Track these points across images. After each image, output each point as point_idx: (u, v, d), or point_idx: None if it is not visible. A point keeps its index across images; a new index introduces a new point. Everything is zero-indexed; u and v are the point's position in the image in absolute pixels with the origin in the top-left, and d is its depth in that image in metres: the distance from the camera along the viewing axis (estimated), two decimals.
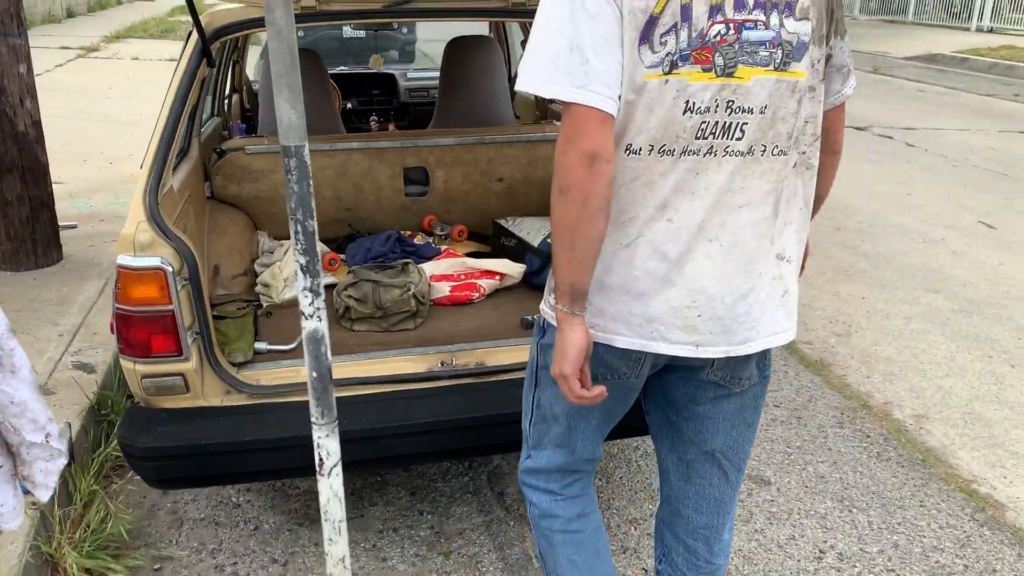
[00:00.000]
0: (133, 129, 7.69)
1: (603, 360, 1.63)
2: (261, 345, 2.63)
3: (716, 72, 1.40)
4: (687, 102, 1.41)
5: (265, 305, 2.98)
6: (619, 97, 1.40)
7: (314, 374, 1.46)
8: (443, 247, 3.32)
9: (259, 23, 2.69)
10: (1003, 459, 3.20)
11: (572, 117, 1.37)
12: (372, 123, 4.82)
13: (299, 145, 1.35)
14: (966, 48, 15.48)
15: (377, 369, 2.55)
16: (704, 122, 1.43)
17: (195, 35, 2.63)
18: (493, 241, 3.34)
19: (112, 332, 2.54)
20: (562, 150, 1.39)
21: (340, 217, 3.45)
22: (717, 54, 1.40)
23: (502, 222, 3.32)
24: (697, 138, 1.43)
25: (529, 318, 2.81)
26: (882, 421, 3.44)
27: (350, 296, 2.80)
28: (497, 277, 3.04)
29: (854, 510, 2.89)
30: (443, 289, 2.97)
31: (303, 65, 3.72)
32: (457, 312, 2.93)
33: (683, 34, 1.38)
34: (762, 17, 1.41)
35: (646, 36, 1.37)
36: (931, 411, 3.53)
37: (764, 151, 1.48)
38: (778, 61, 1.44)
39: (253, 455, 2.33)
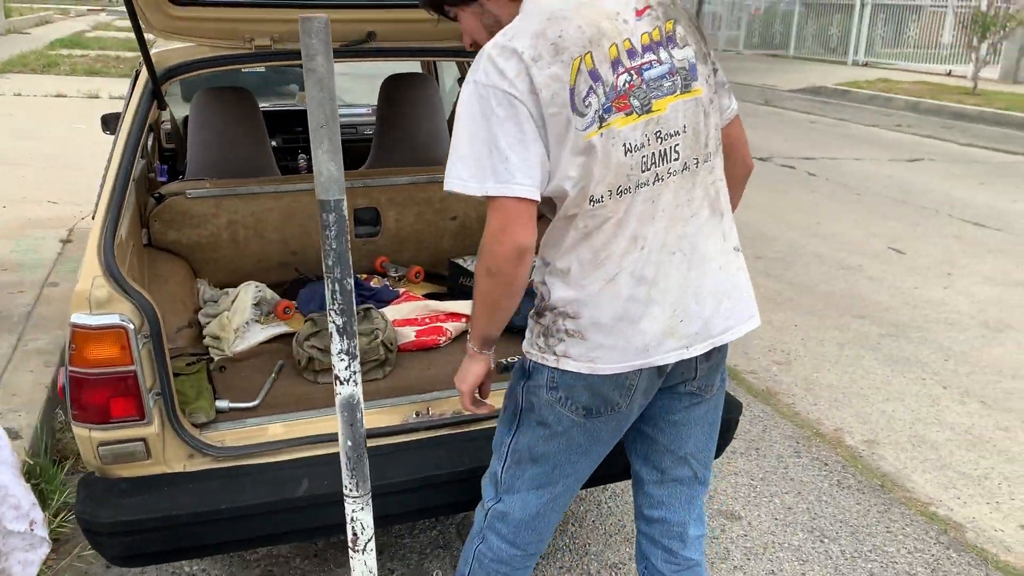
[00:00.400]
0: (23, 169, 7.25)
1: (599, 392, 1.70)
2: (223, 403, 2.46)
3: (637, 112, 1.59)
4: (624, 144, 1.59)
5: (216, 359, 2.80)
6: (540, 183, 1.57)
7: (348, 443, 1.35)
8: (401, 290, 3.21)
9: (211, 63, 2.55)
10: (953, 480, 3.30)
11: (501, 211, 1.55)
12: (301, 161, 4.66)
13: (339, 199, 1.25)
14: (846, 81, 16.33)
15: None
16: (644, 156, 1.61)
17: (143, 75, 2.47)
18: (451, 281, 3.26)
19: (61, 397, 2.34)
20: (494, 240, 1.57)
21: (286, 261, 3.30)
22: (632, 98, 1.59)
23: (459, 261, 3.24)
24: (644, 171, 1.61)
25: (504, 361, 2.73)
26: (836, 448, 3.50)
27: (313, 347, 2.65)
28: (463, 319, 2.95)
29: (826, 540, 2.91)
30: (408, 334, 2.86)
31: (237, 105, 3.56)
32: (425, 358, 2.82)
33: (599, 92, 1.56)
34: (654, 56, 1.62)
35: (573, 105, 1.55)
36: (879, 436, 3.62)
37: (696, 163, 1.68)
38: (680, 86, 1.65)
39: (229, 524, 2.16)
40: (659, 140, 1.62)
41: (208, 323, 2.95)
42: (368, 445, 2.36)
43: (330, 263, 1.28)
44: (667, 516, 1.98)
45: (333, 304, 1.29)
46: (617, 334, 1.65)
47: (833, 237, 6.43)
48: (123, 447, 2.19)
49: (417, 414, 2.46)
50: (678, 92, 1.64)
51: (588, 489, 3.14)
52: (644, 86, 1.60)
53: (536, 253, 1.68)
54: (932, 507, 3.11)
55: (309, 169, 4.72)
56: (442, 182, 1.62)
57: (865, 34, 19.66)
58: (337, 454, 2.33)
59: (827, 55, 20.80)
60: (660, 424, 1.89)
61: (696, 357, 1.75)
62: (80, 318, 2.10)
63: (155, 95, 2.42)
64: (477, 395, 1.91)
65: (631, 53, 1.60)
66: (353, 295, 1.30)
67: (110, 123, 4.23)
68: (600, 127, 1.56)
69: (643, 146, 1.60)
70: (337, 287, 1.28)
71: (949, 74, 17.25)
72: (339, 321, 1.29)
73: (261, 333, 2.91)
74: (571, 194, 1.60)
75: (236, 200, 3.14)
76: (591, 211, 1.61)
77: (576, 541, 2.88)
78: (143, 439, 2.20)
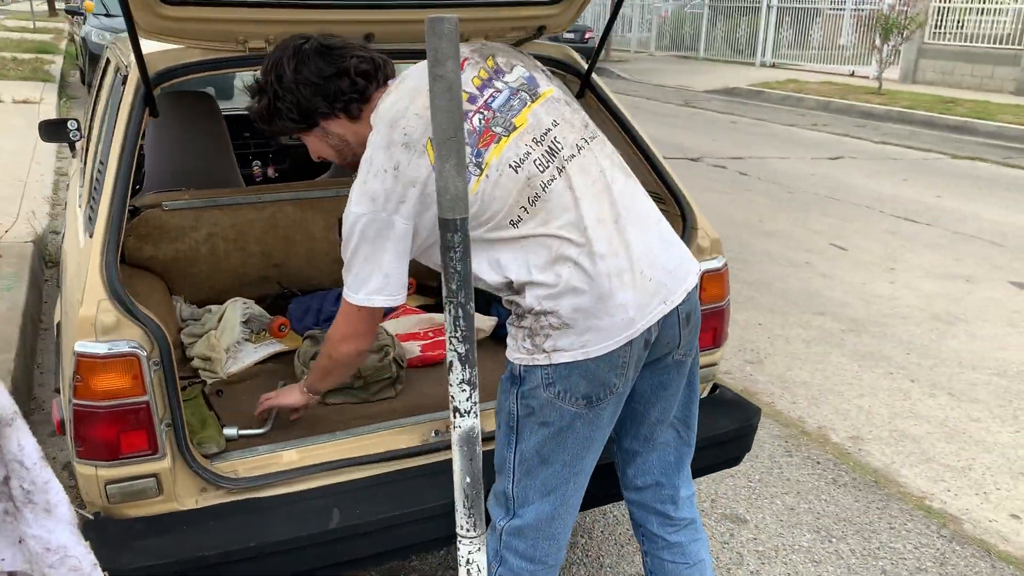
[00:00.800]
0: None
1: (596, 377, 1.72)
2: (231, 431, 2.30)
3: (504, 135, 1.72)
4: (510, 166, 1.70)
5: (210, 382, 2.62)
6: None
7: (467, 480, 1.24)
8: None
9: (205, 67, 2.38)
10: (940, 473, 3.37)
11: (358, 319, 1.84)
12: (255, 168, 4.46)
13: (463, 218, 1.15)
14: (758, 82, 16.77)
15: (367, 447, 2.29)
16: (534, 160, 1.72)
17: (132, 79, 2.28)
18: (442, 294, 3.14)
19: (59, 432, 2.14)
20: (342, 342, 1.90)
21: (268, 275, 3.13)
22: (492, 127, 1.73)
23: None
24: (543, 170, 1.72)
25: (435, 434, 2.62)
26: (824, 446, 3.54)
27: None
28: None
29: (833, 539, 2.92)
30: (413, 349, 2.74)
31: (198, 110, 3.35)
32: (432, 373, 2.71)
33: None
34: (492, 90, 1.77)
35: None
36: (862, 432, 3.67)
37: (586, 142, 1.80)
38: (529, 97, 1.79)
39: (261, 562, 2.01)
40: (537, 143, 1.74)
41: (192, 343, 2.77)
42: (393, 468, 2.28)
43: (453, 287, 1.17)
44: (659, 480, 2.03)
45: (455, 331, 1.19)
46: (600, 313, 1.69)
47: (778, 235, 6.55)
48: (133, 484, 2.02)
49: (437, 432, 2.35)
50: (529, 103, 1.78)
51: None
52: (498, 114, 1.74)
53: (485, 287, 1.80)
54: (927, 501, 3.17)
55: (265, 177, 4.53)
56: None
57: (772, 36, 20.24)
58: (365, 479, 2.25)
59: (735, 56, 21.34)
60: (651, 398, 1.93)
61: (679, 321, 1.81)
62: (86, 346, 1.93)
63: (147, 101, 2.24)
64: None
65: (472, 99, 1.74)
66: (474, 320, 1.20)
67: (53, 130, 3.94)
68: (481, 172, 1.69)
69: (528, 155, 1.72)
70: (460, 312, 1.18)
71: (852, 74, 17.91)
72: (461, 349, 1.19)
73: (255, 353, 2.75)
74: (487, 229, 1.72)
75: (216, 211, 2.95)
76: (518, 231, 1.71)
77: (589, 554, 2.81)
78: (155, 475, 2.04)
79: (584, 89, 2.83)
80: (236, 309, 2.82)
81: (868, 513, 3.08)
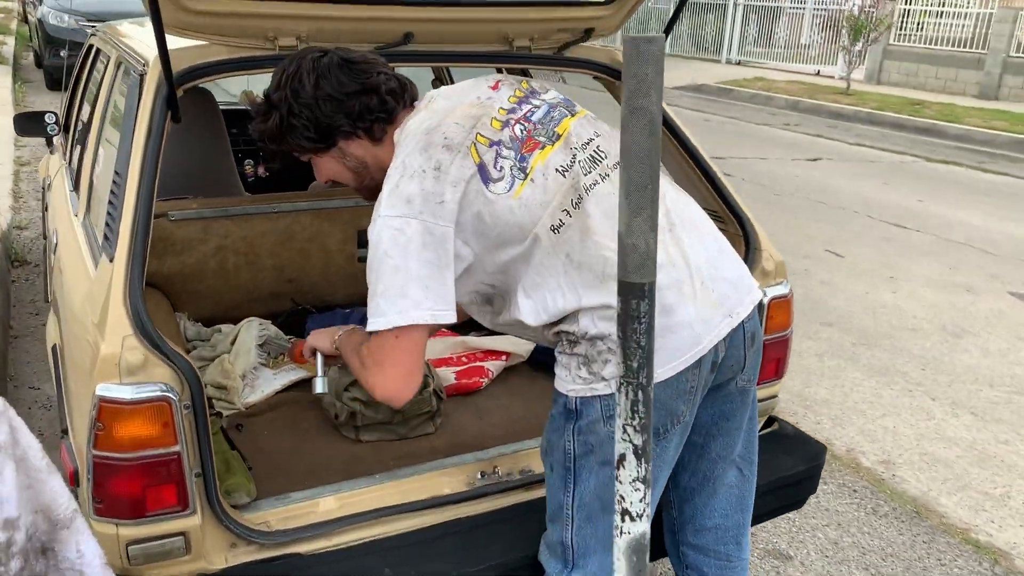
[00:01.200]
0: None
1: (663, 405, 1.58)
2: (320, 384, 2.05)
3: (549, 143, 1.65)
4: (557, 170, 1.61)
5: (226, 414, 2.37)
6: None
7: None
8: None
9: (232, 66, 2.11)
10: (980, 502, 3.24)
11: (395, 349, 1.55)
12: (247, 167, 4.16)
13: (652, 282, 0.94)
14: (726, 79, 16.72)
15: (409, 491, 2.06)
16: (580, 162, 1.64)
17: (152, 78, 2.01)
18: None
19: (72, 483, 1.88)
20: (379, 388, 1.60)
21: (281, 291, 2.87)
22: (535, 136, 1.65)
23: None
24: (587, 174, 1.63)
25: (482, 474, 2.40)
26: (857, 471, 3.39)
27: (356, 399, 2.27)
28: (503, 357, 2.63)
29: None
30: (448, 376, 2.51)
31: (198, 107, 3.06)
32: (471, 404, 2.49)
33: (505, 151, 1.61)
34: (528, 105, 1.71)
35: (486, 179, 1.58)
36: (892, 456, 3.54)
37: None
38: (568, 112, 1.73)
39: None
40: (582, 149, 1.66)
41: (203, 368, 2.50)
42: (444, 518, 2.05)
43: (634, 365, 0.95)
44: (723, 523, 1.90)
45: (632, 418, 0.97)
46: (663, 331, 1.54)
47: (773, 239, 6.39)
48: (159, 544, 1.78)
49: (483, 475, 2.14)
50: (568, 116, 1.72)
51: None
52: (539, 126, 1.67)
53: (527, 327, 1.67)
54: (972, 533, 3.04)
55: (258, 177, 4.24)
56: None
57: (738, 33, 20.24)
58: (414, 533, 2.01)
59: (701, 53, 21.31)
60: (712, 430, 1.79)
61: (744, 340, 1.69)
62: (109, 390, 1.68)
63: (170, 103, 1.97)
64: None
65: (511, 111, 1.68)
66: (652, 405, 0.98)
67: (28, 124, 3.62)
68: (524, 175, 1.60)
69: (574, 159, 1.63)
70: (639, 396, 0.96)
71: (818, 74, 17.97)
72: (638, 441, 0.97)
73: (274, 380, 2.50)
74: (530, 241, 1.60)
75: (227, 222, 2.69)
76: (559, 236, 1.59)
77: None
78: (184, 532, 1.79)
79: None
80: (251, 330, 2.56)
81: (915, 548, 2.93)
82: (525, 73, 3.41)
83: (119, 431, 1.68)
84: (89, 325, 1.88)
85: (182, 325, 2.69)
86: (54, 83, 11.34)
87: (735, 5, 20.00)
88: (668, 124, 2.56)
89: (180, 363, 1.72)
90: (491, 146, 1.61)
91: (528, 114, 1.69)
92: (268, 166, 4.37)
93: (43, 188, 4.29)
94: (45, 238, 3.97)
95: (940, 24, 16.52)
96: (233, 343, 2.55)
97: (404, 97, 1.75)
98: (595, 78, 2.70)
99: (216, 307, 2.79)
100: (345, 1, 2.26)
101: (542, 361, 2.68)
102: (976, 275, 5.89)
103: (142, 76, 2.07)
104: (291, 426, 2.33)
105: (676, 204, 1.71)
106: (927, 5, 16.61)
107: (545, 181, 1.61)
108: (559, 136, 1.67)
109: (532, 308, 1.64)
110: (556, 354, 1.68)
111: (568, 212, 1.61)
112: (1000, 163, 10.19)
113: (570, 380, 1.62)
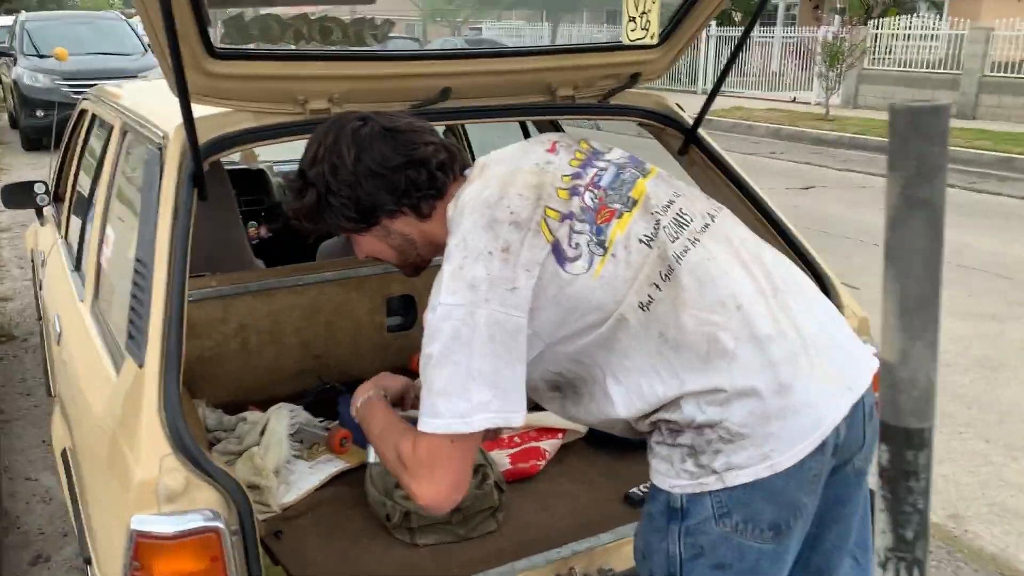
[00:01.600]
0: None
1: (784, 498, 1.41)
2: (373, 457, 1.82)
3: (627, 210, 1.48)
4: (640, 240, 1.45)
5: (262, 518, 2.10)
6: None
7: None
8: None
9: (260, 135, 1.89)
10: None
11: (450, 456, 1.37)
12: (251, 230, 3.92)
13: (931, 427, 0.72)
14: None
15: None
16: (664, 228, 1.47)
17: (174, 152, 1.78)
18: None
19: None
20: (424, 495, 1.40)
21: (307, 368, 2.63)
22: (609, 204, 1.48)
23: None
24: (673, 241, 1.47)
25: (639, 491, 2.19)
26: None
27: (408, 497, 2.01)
28: (559, 435, 2.39)
29: None
30: (502, 461, 2.27)
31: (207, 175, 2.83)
32: (530, 492, 2.24)
33: (579, 225, 1.45)
34: (593, 169, 1.53)
35: (561, 259, 1.42)
36: (959, 508, 3.32)
37: (714, 216, 1.55)
38: (640, 172, 1.56)
39: None
40: (664, 211, 1.50)
41: (229, 463, 2.24)
42: None
43: (909, 536, 0.73)
44: None
45: None
46: (783, 413, 1.38)
47: None
48: None
49: None
50: (641, 177, 1.55)
51: None
52: (610, 192, 1.51)
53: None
54: None
55: (261, 239, 4.00)
56: None
57: (712, 64, 20.34)
58: None
59: (675, 85, 21.36)
60: (826, 518, 1.58)
61: (864, 416, 1.51)
62: (146, 522, 1.43)
63: (196, 180, 1.74)
64: None
65: (576, 176, 1.51)
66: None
67: (17, 196, 3.37)
68: (605, 251, 1.44)
69: (657, 225, 1.48)
70: (917, 574, 0.74)
71: (794, 100, 18.05)
72: None
73: (312, 475, 2.24)
74: (615, 321, 1.42)
75: (250, 299, 2.44)
76: (649, 314, 1.42)
77: None
78: None
79: (687, 144, 2.44)
80: (281, 418, 2.31)
81: None
82: (556, 126, 3.22)
83: (160, 569, 1.43)
84: (114, 438, 1.63)
85: (201, 413, 2.43)
86: (31, 144, 11.11)
87: (707, 36, 20.11)
88: (726, 169, 2.38)
89: (226, 482, 1.48)
90: (563, 220, 1.45)
91: (596, 179, 1.52)
92: (271, 227, 4.14)
93: (33, 262, 4.02)
94: (40, 319, 3.69)
95: (909, 47, 16.70)
96: (263, 434, 2.29)
97: (454, 167, 1.58)
98: (640, 124, 2.53)
99: (237, 390, 2.54)
100: (379, 59, 2.07)
101: (599, 435, 2.44)
102: (996, 303, 5.74)
103: (161, 149, 1.84)
104: (337, 529, 2.08)
105: (776, 265, 1.55)
106: (895, 29, 16.77)
107: (628, 254, 1.45)
108: (635, 201, 1.51)
109: (624, 397, 1.45)
110: (652, 444, 1.48)
111: (657, 286, 1.44)
112: (991, 183, 10.14)
113: (673, 474, 1.44)
